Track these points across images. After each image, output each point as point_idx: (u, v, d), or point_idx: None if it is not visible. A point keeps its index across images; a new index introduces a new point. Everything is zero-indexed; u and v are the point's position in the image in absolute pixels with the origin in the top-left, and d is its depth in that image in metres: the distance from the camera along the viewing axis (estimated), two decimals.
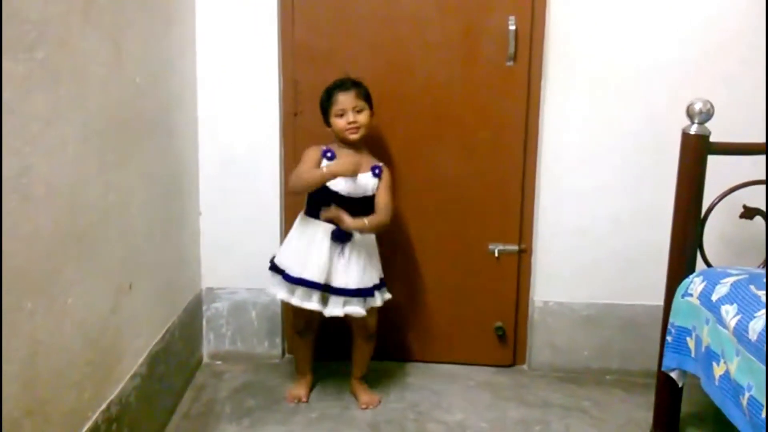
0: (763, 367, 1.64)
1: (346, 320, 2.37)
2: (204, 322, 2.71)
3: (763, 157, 2.16)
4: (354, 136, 2.30)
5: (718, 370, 1.87)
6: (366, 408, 2.41)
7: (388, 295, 2.41)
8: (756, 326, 1.71)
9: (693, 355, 2.04)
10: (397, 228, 2.49)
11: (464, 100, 2.56)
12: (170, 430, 2.25)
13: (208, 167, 2.61)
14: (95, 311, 1.75)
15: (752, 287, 1.86)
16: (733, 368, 1.79)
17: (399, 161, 2.53)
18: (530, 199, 2.62)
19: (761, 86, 2.43)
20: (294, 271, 2.28)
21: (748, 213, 2.20)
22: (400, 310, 2.65)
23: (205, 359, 2.73)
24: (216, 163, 2.61)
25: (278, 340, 2.73)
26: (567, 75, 2.51)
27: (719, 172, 2.11)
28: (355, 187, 2.29)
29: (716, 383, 1.88)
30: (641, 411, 2.39)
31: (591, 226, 2.59)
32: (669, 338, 2.14)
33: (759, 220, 2.21)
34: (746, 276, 1.95)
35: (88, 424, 1.70)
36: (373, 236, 2.37)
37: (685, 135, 2.09)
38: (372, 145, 2.46)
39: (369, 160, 2.37)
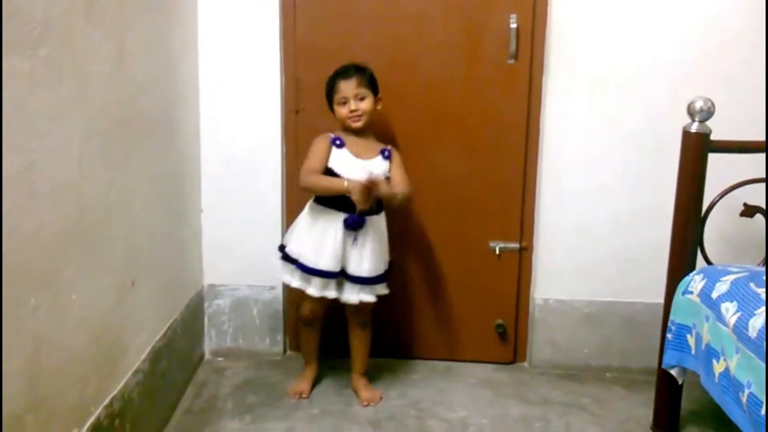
0: (763, 365, 1.65)
1: (342, 310, 2.39)
2: (206, 319, 2.72)
3: (763, 155, 2.17)
4: (357, 124, 2.30)
5: (718, 368, 1.88)
6: (367, 405, 2.42)
7: (386, 290, 2.42)
8: (756, 324, 1.72)
9: (693, 352, 2.05)
10: (398, 226, 2.49)
11: (466, 98, 2.57)
12: (172, 426, 2.26)
13: (210, 164, 2.62)
14: (98, 307, 1.76)
15: (752, 285, 1.87)
16: (732, 365, 1.80)
17: (401, 159, 2.53)
18: (531, 197, 2.63)
19: (761, 86, 2.43)
20: (309, 261, 2.28)
21: (749, 211, 2.21)
22: (402, 307, 2.66)
23: (207, 356, 2.74)
24: (218, 161, 2.61)
25: (279, 337, 2.74)
26: (568, 73, 2.51)
27: (720, 170, 2.12)
28: (367, 173, 2.26)
29: (716, 380, 1.89)
30: (641, 408, 2.40)
31: (592, 224, 2.60)
32: (669, 336, 2.15)
33: (759, 218, 2.22)
34: (746, 274, 1.95)
35: (91, 420, 1.71)
36: (384, 222, 2.38)
37: (686, 133, 2.10)
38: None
39: (376, 146, 2.37)
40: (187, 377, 2.53)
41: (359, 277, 2.30)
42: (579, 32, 2.49)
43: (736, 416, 1.79)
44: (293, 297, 2.63)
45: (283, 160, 2.63)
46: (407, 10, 2.52)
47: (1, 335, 1.28)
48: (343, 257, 2.28)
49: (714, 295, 1.94)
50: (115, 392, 1.85)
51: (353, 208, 2.25)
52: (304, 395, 2.44)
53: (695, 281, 2.06)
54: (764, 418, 1.63)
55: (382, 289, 2.38)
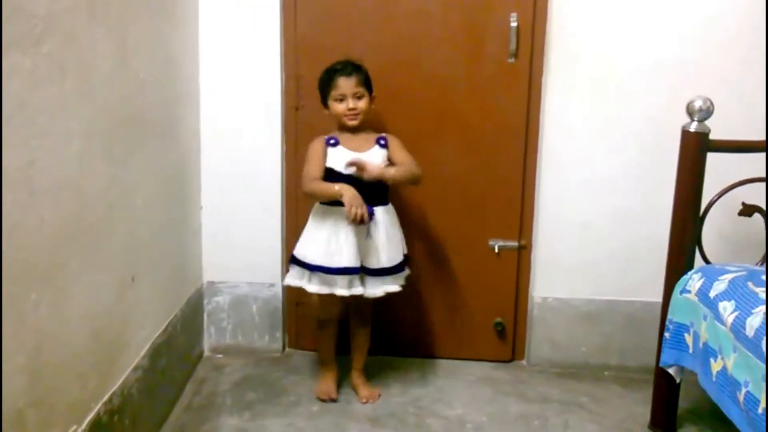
0: (760, 363, 1.66)
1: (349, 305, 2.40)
2: (205, 316, 2.73)
3: (761, 154, 2.17)
4: (353, 122, 2.30)
5: (716, 366, 1.89)
6: (366, 402, 2.42)
7: (408, 271, 2.42)
8: (753, 322, 1.73)
9: (691, 351, 2.06)
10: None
11: (466, 96, 2.57)
12: (171, 423, 2.26)
13: (210, 162, 2.62)
14: (99, 304, 1.77)
15: (750, 284, 1.88)
16: (730, 364, 1.80)
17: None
18: (530, 195, 2.64)
19: (761, 86, 2.44)
20: (330, 262, 2.25)
21: (747, 210, 2.22)
22: (401, 305, 2.66)
23: (206, 353, 2.75)
24: (218, 158, 2.62)
25: (279, 334, 2.75)
26: (568, 72, 2.52)
27: (718, 169, 2.12)
28: (351, 161, 2.27)
29: (713, 379, 1.90)
30: (639, 406, 2.40)
31: (591, 222, 2.61)
32: (667, 334, 2.16)
33: (757, 217, 2.23)
34: (744, 273, 1.96)
35: (91, 416, 1.72)
36: (393, 212, 2.37)
37: (685, 132, 2.10)
38: None
39: (371, 136, 2.36)
40: (187, 374, 2.53)
41: (380, 269, 2.29)
42: (579, 31, 2.49)
43: (734, 415, 1.80)
44: (293, 295, 2.64)
45: (283, 158, 2.63)
46: (407, 7, 2.53)
47: (1, 331, 1.29)
48: (360, 253, 2.27)
49: (712, 294, 1.95)
50: (114, 388, 1.85)
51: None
52: (332, 396, 2.42)
53: (693, 280, 2.07)
54: (761, 416, 1.64)
55: (402, 279, 2.38)
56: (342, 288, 2.28)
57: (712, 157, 2.10)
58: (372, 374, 2.55)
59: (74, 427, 1.64)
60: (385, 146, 2.35)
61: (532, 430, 2.30)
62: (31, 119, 1.41)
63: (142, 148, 2.02)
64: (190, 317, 2.55)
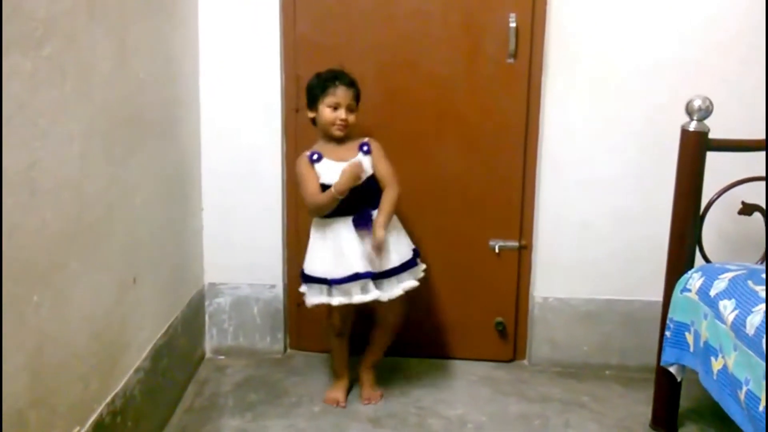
0: (761, 362, 1.66)
1: (372, 311, 2.37)
2: (206, 317, 2.73)
3: (761, 153, 2.18)
4: (339, 133, 2.29)
5: (716, 365, 1.89)
6: (368, 403, 2.42)
7: (423, 265, 2.41)
8: (754, 321, 1.73)
9: (691, 349, 2.06)
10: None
11: (465, 96, 2.57)
12: (173, 424, 2.26)
13: (211, 163, 2.63)
14: (100, 305, 1.77)
15: (750, 282, 1.88)
16: (730, 362, 1.81)
17: (400, 157, 2.53)
18: (531, 195, 2.64)
19: (761, 86, 2.44)
20: (340, 273, 2.24)
21: (747, 209, 2.22)
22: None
23: (208, 354, 2.75)
24: (218, 159, 2.62)
25: (280, 336, 2.75)
26: (567, 72, 2.52)
27: (718, 168, 2.13)
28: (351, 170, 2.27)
29: (714, 377, 1.90)
30: (640, 406, 2.41)
31: (591, 222, 2.61)
32: (668, 333, 2.16)
33: (757, 216, 2.23)
34: (744, 271, 1.96)
35: (93, 417, 1.72)
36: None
37: (684, 131, 2.11)
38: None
39: (353, 144, 2.34)
40: (188, 375, 2.53)
41: (391, 270, 2.28)
42: (578, 31, 2.50)
43: (735, 413, 1.80)
44: (294, 296, 2.64)
45: (283, 159, 2.64)
46: (407, 7, 2.53)
47: (1, 332, 1.29)
48: (368, 257, 2.25)
49: (712, 292, 1.95)
50: (117, 390, 1.86)
51: (355, 209, 2.25)
52: (341, 404, 2.41)
53: (694, 279, 2.07)
54: (762, 414, 1.64)
55: (419, 272, 2.37)
56: (358, 294, 2.26)
57: (711, 157, 2.10)
58: (375, 375, 2.55)
59: (77, 428, 1.64)
60: (368, 152, 2.33)
61: (532, 429, 2.30)
62: (32, 121, 1.42)
63: (142, 149, 2.03)
64: (192, 319, 2.56)
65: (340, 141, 2.33)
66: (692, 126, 2.09)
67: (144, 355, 2.06)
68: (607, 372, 2.68)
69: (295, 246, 2.63)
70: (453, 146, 2.62)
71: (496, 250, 2.67)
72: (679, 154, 2.12)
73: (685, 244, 2.16)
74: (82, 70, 1.63)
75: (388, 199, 2.29)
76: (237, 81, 2.58)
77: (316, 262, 2.32)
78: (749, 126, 2.37)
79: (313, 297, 2.32)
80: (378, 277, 2.27)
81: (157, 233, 2.18)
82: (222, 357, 2.74)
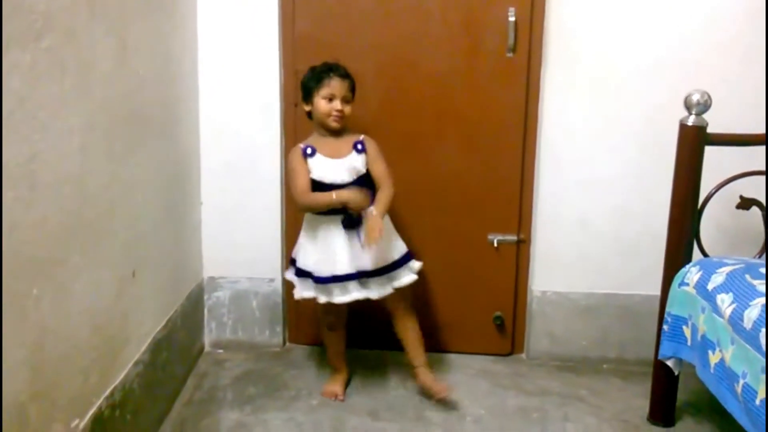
0: (758, 355, 1.67)
1: (381, 305, 2.36)
2: (206, 311, 2.73)
3: (759, 148, 2.18)
4: (335, 125, 2.28)
5: (714, 358, 1.90)
6: (442, 398, 2.35)
7: (418, 262, 2.39)
8: (751, 315, 1.74)
9: (689, 343, 2.07)
10: (396, 218, 2.50)
11: (464, 91, 2.58)
12: (172, 417, 2.27)
13: (210, 157, 2.63)
14: (100, 299, 1.78)
15: (747, 276, 1.89)
16: (728, 356, 1.82)
17: (399, 152, 2.54)
18: (529, 189, 2.65)
19: (761, 85, 2.44)
20: (324, 271, 2.25)
21: (745, 203, 2.23)
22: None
23: (207, 347, 2.76)
24: (217, 154, 2.62)
25: (279, 329, 2.76)
26: (567, 67, 2.52)
27: (716, 163, 2.13)
28: (346, 172, 2.28)
29: (712, 371, 1.91)
30: (638, 399, 2.41)
31: (589, 216, 2.62)
32: (665, 327, 2.17)
33: (755, 210, 2.24)
34: (742, 266, 1.97)
35: (93, 410, 1.73)
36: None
37: (683, 126, 2.11)
38: (371, 136, 2.47)
39: (348, 140, 2.33)
40: (188, 369, 2.54)
41: (382, 268, 2.28)
42: (577, 26, 2.50)
43: (732, 406, 1.81)
44: (293, 290, 2.64)
45: (282, 154, 2.64)
46: (406, 3, 2.53)
47: (1, 326, 1.29)
48: (355, 258, 2.26)
49: (710, 286, 1.96)
50: (116, 383, 1.86)
51: (346, 209, 2.25)
52: (339, 397, 2.41)
53: (691, 273, 2.08)
54: (759, 407, 1.65)
55: (413, 268, 2.36)
56: (338, 296, 2.27)
57: (709, 151, 2.11)
58: (371, 368, 2.57)
59: (76, 421, 1.65)
60: (363, 151, 2.32)
61: (531, 422, 2.31)
62: (32, 115, 1.42)
63: (142, 144, 2.03)
64: (191, 312, 2.56)
65: (335, 134, 2.32)
66: (691, 120, 2.09)
67: (143, 348, 2.07)
68: (605, 366, 2.69)
69: (294, 240, 2.62)
70: (452, 141, 2.62)
71: (495, 245, 2.68)
72: (677, 148, 2.13)
73: (683, 238, 2.17)
74: (82, 65, 1.63)
75: (383, 195, 2.29)
76: (236, 77, 2.58)
77: (302, 257, 2.34)
78: (748, 123, 2.37)
79: (302, 290, 2.34)
80: (368, 275, 2.27)
81: (157, 228, 2.19)
82: (221, 350, 2.74)
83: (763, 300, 1.74)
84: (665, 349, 2.17)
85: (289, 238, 2.68)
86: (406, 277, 2.33)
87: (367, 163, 2.32)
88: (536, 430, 2.27)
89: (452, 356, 2.73)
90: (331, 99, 2.27)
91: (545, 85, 2.55)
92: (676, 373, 2.20)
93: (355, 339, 2.59)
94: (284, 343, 2.80)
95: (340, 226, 2.26)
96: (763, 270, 1.90)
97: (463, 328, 2.76)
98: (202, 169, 2.64)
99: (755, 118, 2.41)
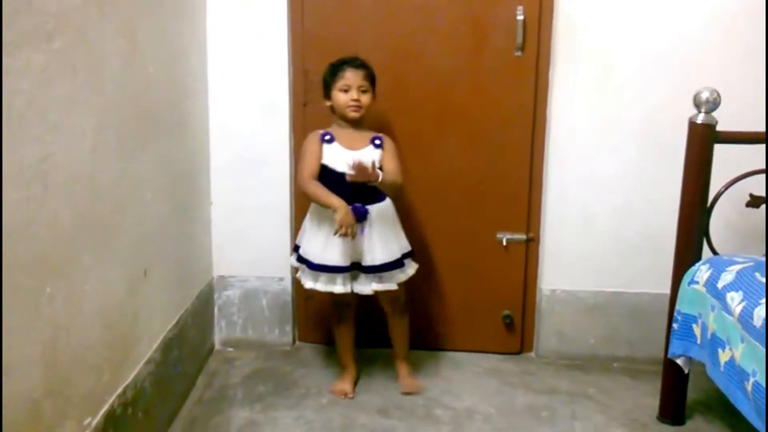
0: None
1: (377, 301, 2.40)
2: (216, 310, 2.75)
3: None
4: (354, 114, 2.30)
5: (724, 357, 1.90)
6: (407, 394, 2.42)
7: (415, 265, 2.42)
8: (761, 313, 1.73)
9: (699, 341, 2.07)
10: (404, 217, 2.51)
11: (473, 89, 2.58)
12: (183, 415, 2.29)
13: (219, 157, 2.64)
14: (112, 297, 1.79)
15: (757, 275, 1.88)
16: (738, 354, 1.81)
17: (407, 150, 2.55)
18: (538, 188, 2.65)
19: (761, 84, 2.43)
20: (316, 258, 2.29)
21: (754, 202, 2.22)
22: (410, 298, 2.68)
23: (217, 346, 2.77)
24: (227, 153, 2.64)
25: (288, 328, 2.77)
26: (575, 65, 2.52)
27: (725, 161, 2.13)
28: (352, 162, 2.27)
29: (721, 369, 1.91)
30: (648, 398, 2.41)
31: (598, 215, 2.62)
32: (675, 325, 2.16)
33: (765, 208, 2.23)
34: (752, 264, 1.97)
35: (105, 407, 1.74)
36: (393, 209, 2.37)
37: (692, 124, 2.11)
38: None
39: (367, 135, 2.36)
40: (198, 367, 2.56)
41: (373, 266, 2.30)
42: (586, 24, 2.49)
43: (742, 404, 1.81)
44: (303, 289, 2.64)
45: (291, 153, 2.65)
46: (414, 1, 2.54)
47: (1, 323, 1.31)
48: (355, 251, 2.29)
49: (720, 284, 1.96)
50: (128, 381, 1.88)
51: (354, 200, 2.26)
52: (348, 395, 2.42)
53: (701, 271, 2.08)
54: None
55: (405, 273, 2.37)
56: (322, 283, 2.31)
57: (719, 148, 2.10)
58: (380, 366, 2.57)
59: (89, 418, 1.66)
60: (380, 146, 2.35)
61: (540, 421, 2.31)
62: (44, 115, 1.43)
63: (151, 144, 2.04)
64: (201, 311, 2.58)
65: (354, 126, 2.34)
66: (700, 118, 2.09)
67: (154, 346, 2.08)
68: (614, 364, 2.69)
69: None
70: (461, 139, 2.62)
71: (504, 243, 2.68)
72: (686, 146, 2.13)
73: (692, 236, 2.17)
74: (93, 65, 1.64)
75: (392, 176, 2.31)
76: (245, 77, 2.59)
77: (303, 242, 2.38)
78: (757, 117, 2.37)
79: (301, 275, 2.38)
80: (361, 270, 2.30)
81: (167, 226, 2.20)
82: (231, 349, 2.76)
83: None
84: (675, 348, 2.17)
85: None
86: (384, 285, 2.33)
87: (381, 160, 2.33)
88: (545, 428, 2.27)
89: (461, 354, 2.74)
90: (347, 90, 2.29)
91: (554, 84, 2.55)
92: (686, 371, 2.20)
93: (365, 338, 2.60)
94: (294, 341, 2.81)
95: None
96: None
97: (472, 326, 2.76)
98: (211, 168, 2.65)
99: (762, 110, 2.40)
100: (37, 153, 1.40)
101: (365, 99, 2.31)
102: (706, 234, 2.19)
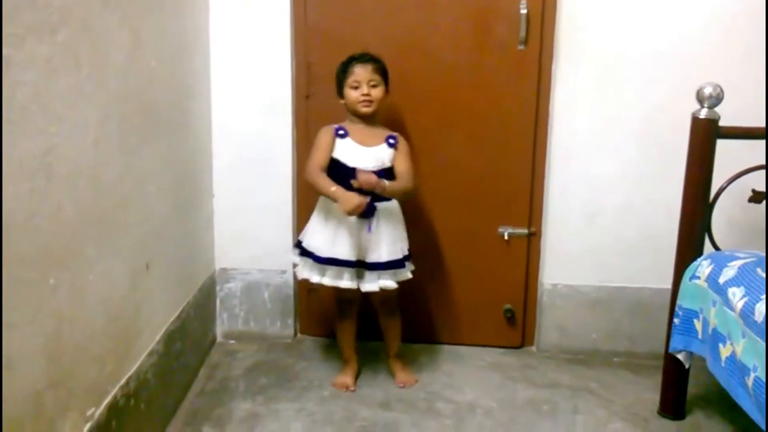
0: None
1: (368, 298, 2.41)
2: (218, 302, 2.76)
3: None
4: (366, 109, 2.31)
5: (725, 352, 1.90)
6: (403, 386, 2.45)
7: (412, 267, 2.43)
8: (762, 308, 1.73)
9: (700, 336, 2.07)
10: (406, 211, 2.51)
11: (476, 83, 2.58)
12: (185, 407, 2.29)
13: (222, 150, 2.64)
14: (115, 289, 1.80)
15: (759, 270, 1.88)
16: (739, 349, 1.82)
17: (410, 144, 2.55)
18: (540, 182, 2.65)
19: (760, 81, 2.43)
20: (323, 252, 2.29)
21: (757, 197, 2.22)
22: (411, 292, 2.68)
23: (219, 338, 2.78)
24: (229, 146, 2.64)
25: (290, 321, 2.78)
26: (578, 59, 2.52)
27: (728, 156, 2.12)
28: (371, 160, 2.30)
29: (722, 364, 1.91)
30: (648, 392, 2.42)
31: (600, 209, 2.62)
32: (676, 320, 2.17)
33: (765, 204, 2.22)
34: (753, 259, 1.97)
35: (108, 399, 1.75)
36: (398, 208, 2.38)
37: (695, 119, 2.11)
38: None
39: (382, 132, 2.37)
40: (200, 359, 2.56)
41: (378, 264, 2.30)
42: (590, 16, 2.49)
43: (742, 400, 1.81)
44: (305, 282, 2.65)
45: (293, 145, 2.65)
46: None
47: (1, 315, 1.31)
48: (361, 247, 2.29)
49: (721, 280, 1.96)
50: (130, 373, 1.88)
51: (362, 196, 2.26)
52: (350, 388, 2.43)
53: (703, 266, 2.08)
54: None
55: (404, 275, 2.38)
56: (330, 278, 2.30)
57: (721, 144, 2.10)
58: (383, 359, 2.58)
59: (92, 410, 1.67)
60: (393, 146, 2.36)
61: (541, 415, 2.32)
62: (49, 107, 1.43)
63: (154, 137, 2.04)
64: (203, 303, 2.58)
65: (368, 123, 2.35)
66: (703, 113, 2.09)
67: (157, 338, 2.09)
68: (615, 359, 2.70)
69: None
70: (463, 133, 2.62)
71: (506, 237, 2.68)
72: (689, 141, 2.12)
73: (694, 231, 2.17)
74: (96, 58, 1.64)
75: (402, 182, 2.33)
76: (248, 69, 2.59)
77: (308, 235, 2.37)
78: (760, 111, 2.36)
79: (303, 270, 2.37)
80: (365, 267, 2.30)
81: (170, 219, 2.21)
82: (233, 341, 2.77)
83: None
84: (676, 343, 2.17)
85: (301, 230, 2.69)
86: (389, 281, 2.33)
87: (393, 159, 2.34)
88: (546, 422, 2.28)
89: (462, 348, 2.75)
90: (356, 87, 2.30)
91: (556, 79, 2.55)
92: (687, 366, 2.20)
93: (367, 331, 2.60)
94: (295, 334, 2.82)
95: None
96: None
97: (473, 320, 2.77)
98: (213, 161, 2.65)
99: (755, 115, 2.38)
100: (41, 145, 1.41)
101: (375, 93, 2.31)
102: (708, 229, 2.19)
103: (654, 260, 2.57)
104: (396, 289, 2.38)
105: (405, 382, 2.47)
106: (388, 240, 2.32)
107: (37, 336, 1.43)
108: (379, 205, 2.31)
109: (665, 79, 2.49)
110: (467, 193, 2.67)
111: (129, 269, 1.89)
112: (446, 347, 2.75)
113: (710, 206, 2.17)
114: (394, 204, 2.37)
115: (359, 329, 2.53)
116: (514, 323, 2.77)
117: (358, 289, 2.33)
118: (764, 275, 1.85)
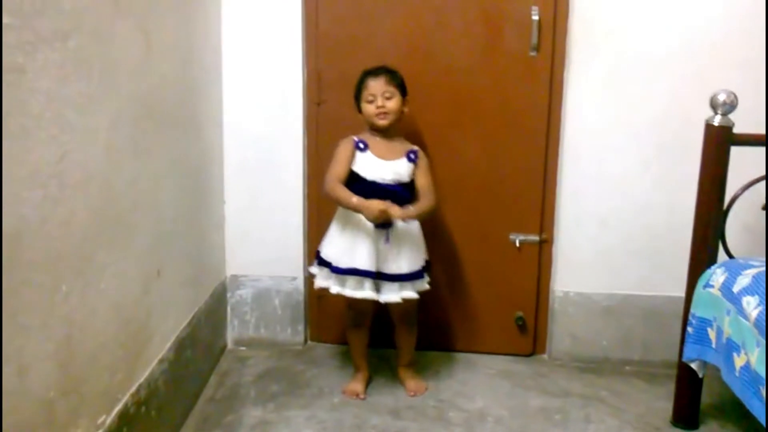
0: None
1: (387, 309, 2.41)
2: (228, 309, 2.75)
3: None
4: (382, 122, 2.31)
5: (739, 361, 1.88)
6: (413, 395, 2.43)
7: (428, 278, 2.42)
8: None
9: (714, 345, 2.05)
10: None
11: (487, 90, 2.57)
12: (196, 414, 2.29)
13: (233, 156, 2.65)
14: (126, 296, 1.80)
15: None
16: (753, 359, 1.80)
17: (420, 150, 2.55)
18: (552, 189, 2.64)
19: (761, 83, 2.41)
20: (343, 263, 2.28)
21: None
22: (422, 299, 2.67)
23: (230, 345, 2.78)
24: (240, 152, 2.64)
25: (301, 328, 2.77)
26: (590, 66, 2.51)
27: (742, 163, 2.11)
28: (389, 174, 2.30)
29: (737, 374, 1.89)
30: (661, 401, 2.40)
31: (612, 217, 2.60)
32: (690, 329, 2.15)
33: (764, 213, 2.20)
34: None
35: (119, 406, 1.75)
36: (418, 221, 2.37)
37: (709, 126, 2.09)
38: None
39: (402, 147, 2.37)
40: (211, 366, 2.56)
41: (398, 275, 2.29)
42: (602, 23, 2.48)
43: (757, 409, 1.79)
44: (315, 289, 2.65)
45: (305, 152, 2.65)
46: (428, 1, 2.53)
47: (1, 323, 1.31)
48: (379, 258, 2.28)
49: (735, 288, 1.94)
50: (141, 380, 1.88)
51: None
52: (360, 396, 2.42)
53: (716, 275, 2.06)
54: None
55: (422, 285, 2.37)
56: (351, 289, 2.29)
57: (735, 151, 2.09)
58: (393, 368, 2.57)
59: (103, 417, 1.67)
60: (413, 161, 2.36)
61: (552, 423, 2.30)
62: (61, 114, 1.43)
63: (166, 142, 2.05)
64: (214, 310, 2.58)
65: (386, 136, 2.35)
66: (716, 120, 2.07)
67: (168, 345, 2.09)
68: (627, 367, 2.68)
69: (316, 239, 2.63)
70: (474, 139, 2.62)
71: (517, 244, 2.67)
72: (703, 149, 2.11)
73: (708, 239, 2.15)
74: (108, 63, 1.65)
75: (426, 202, 2.33)
76: (259, 75, 2.59)
77: (326, 246, 2.37)
78: (750, 125, 2.34)
79: (320, 280, 2.37)
80: (385, 278, 2.29)
81: (181, 226, 2.21)
82: (243, 348, 2.76)
83: None
84: (689, 352, 2.15)
85: (312, 236, 2.70)
86: (410, 292, 2.32)
87: (413, 174, 2.34)
88: (558, 431, 2.26)
89: (473, 356, 2.73)
90: (372, 100, 2.30)
91: (568, 85, 2.54)
92: (701, 375, 2.18)
93: (378, 339, 2.59)
94: (306, 341, 2.81)
95: (371, 223, 2.26)
96: None
97: (484, 328, 2.76)
98: (224, 167, 2.66)
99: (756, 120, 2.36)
100: (54, 152, 1.41)
101: (391, 104, 2.31)
102: (722, 237, 2.18)
103: (666, 268, 2.55)
104: (416, 301, 2.37)
105: (415, 391, 2.46)
106: (408, 252, 2.31)
107: (49, 342, 1.43)
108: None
109: (680, 83, 2.48)
110: (478, 200, 2.66)
111: (140, 275, 1.89)
112: (456, 355, 2.74)
113: (724, 214, 2.15)
114: None
115: (371, 337, 2.52)
116: (526, 331, 2.75)
117: (374, 300, 2.32)
118: None
